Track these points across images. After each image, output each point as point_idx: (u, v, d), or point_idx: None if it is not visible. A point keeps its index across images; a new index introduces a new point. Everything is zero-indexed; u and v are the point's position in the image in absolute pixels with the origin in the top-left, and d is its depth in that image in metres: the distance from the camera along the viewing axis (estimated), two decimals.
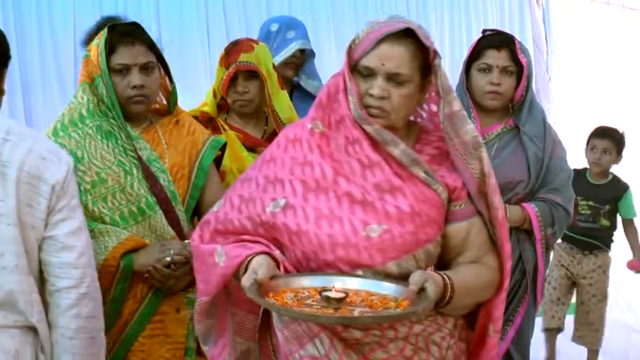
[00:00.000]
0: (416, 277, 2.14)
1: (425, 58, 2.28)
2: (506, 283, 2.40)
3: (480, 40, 3.60)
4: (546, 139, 3.56)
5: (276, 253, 2.29)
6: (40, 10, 5.82)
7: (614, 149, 5.29)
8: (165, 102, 3.23)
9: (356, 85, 2.26)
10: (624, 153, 5.34)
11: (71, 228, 2.42)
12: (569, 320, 5.38)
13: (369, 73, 2.25)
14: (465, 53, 6.58)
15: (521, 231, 3.52)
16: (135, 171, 2.98)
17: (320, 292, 2.09)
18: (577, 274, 5.31)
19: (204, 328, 2.47)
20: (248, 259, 2.25)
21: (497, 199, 2.35)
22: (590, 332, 5.33)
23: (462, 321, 2.42)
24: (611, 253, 5.30)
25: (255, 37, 4.14)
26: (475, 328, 2.45)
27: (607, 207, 5.32)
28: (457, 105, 2.30)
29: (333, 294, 2.07)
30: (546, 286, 5.12)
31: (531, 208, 3.49)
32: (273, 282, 2.16)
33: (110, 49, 2.99)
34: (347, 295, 2.07)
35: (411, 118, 2.43)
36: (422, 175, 2.29)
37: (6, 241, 2.32)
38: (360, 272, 2.23)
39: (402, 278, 2.22)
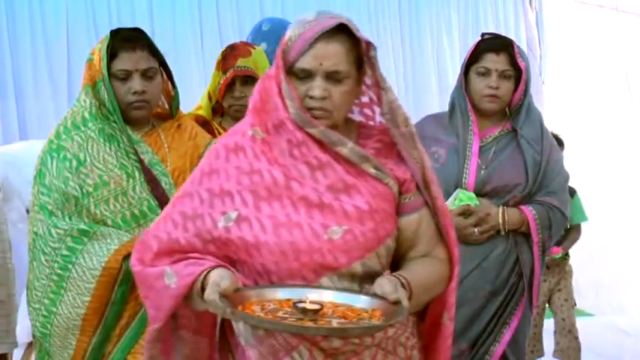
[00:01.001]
0: (388, 288, 2.10)
1: (358, 51, 2.24)
2: (456, 271, 2.37)
3: (478, 44, 3.60)
4: (544, 142, 3.57)
5: (230, 268, 2.17)
6: (33, 15, 5.82)
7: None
8: (167, 106, 3.23)
9: (294, 88, 2.19)
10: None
11: None
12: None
13: (307, 75, 2.18)
14: (459, 56, 6.66)
15: (519, 234, 3.52)
16: (137, 174, 2.98)
17: (294, 304, 2.03)
18: (551, 288, 5.29)
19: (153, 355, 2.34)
20: (203, 274, 2.13)
21: (435, 188, 2.34)
22: (570, 343, 5.21)
23: (415, 316, 2.38)
24: (601, 258, 5.25)
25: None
26: (426, 319, 2.41)
27: None
28: (393, 95, 2.29)
29: (309, 305, 2.02)
30: None
31: (529, 210, 3.49)
32: (241, 294, 2.07)
33: (112, 55, 3.00)
34: (322, 306, 2.03)
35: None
36: (372, 171, 2.24)
37: None
38: (325, 277, 2.18)
39: (367, 277, 2.21)
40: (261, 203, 2.19)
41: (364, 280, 2.22)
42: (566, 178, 3.68)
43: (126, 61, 2.99)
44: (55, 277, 2.93)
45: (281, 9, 6.42)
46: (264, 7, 6.37)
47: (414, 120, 5.77)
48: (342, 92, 2.20)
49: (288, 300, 2.07)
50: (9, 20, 5.79)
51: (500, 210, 3.47)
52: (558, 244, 5.00)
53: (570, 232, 5.25)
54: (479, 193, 3.48)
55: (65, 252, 2.90)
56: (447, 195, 3.47)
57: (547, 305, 5.35)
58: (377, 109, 2.36)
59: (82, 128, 2.98)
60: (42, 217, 2.95)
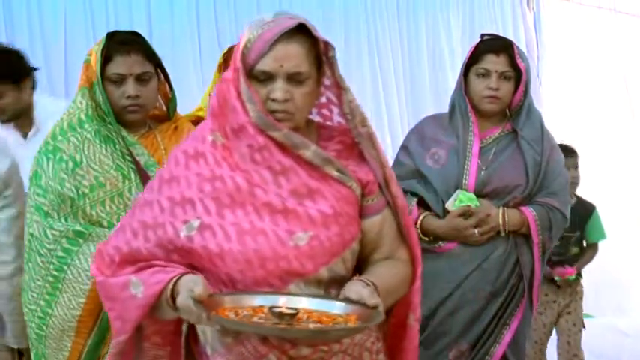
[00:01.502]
0: (366, 292, 2.08)
1: (317, 52, 2.21)
2: (419, 271, 2.36)
3: (478, 45, 3.60)
4: (544, 143, 3.57)
5: (200, 274, 2.13)
6: (31, 18, 5.80)
7: (577, 166, 4.86)
8: (164, 108, 3.22)
9: (255, 91, 2.15)
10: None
11: (9, 215, 3.21)
12: None
13: (268, 77, 2.14)
14: (457, 57, 6.66)
15: (519, 235, 3.53)
16: (133, 176, 2.97)
17: (270, 309, 2.00)
18: (561, 309, 4.91)
19: None
20: (172, 282, 2.09)
21: (395, 187, 2.32)
22: None
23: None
24: (600, 259, 5.18)
25: None
26: (390, 321, 2.38)
27: (577, 233, 4.86)
28: (352, 95, 2.26)
29: (285, 310, 2.00)
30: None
31: (529, 211, 3.50)
32: (214, 300, 2.03)
33: (107, 58, 2.99)
34: (298, 311, 2.01)
35: None
36: (335, 173, 2.21)
37: None
38: (292, 283, 2.14)
39: (333, 282, 2.19)
40: (224, 211, 2.15)
41: (330, 285, 2.20)
42: (567, 179, 3.68)
43: (120, 64, 2.98)
44: (50, 279, 2.92)
45: (278, 8, 6.42)
46: (262, 10, 6.35)
47: (412, 121, 5.78)
48: (303, 94, 2.17)
49: (261, 306, 2.04)
50: (7, 23, 5.77)
51: (501, 211, 3.47)
52: (571, 263, 4.81)
53: (586, 251, 4.95)
54: (479, 194, 3.48)
55: (61, 253, 2.90)
56: (447, 196, 3.48)
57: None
58: (335, 110, 2.34)
59: (79, 130, 2.97)
60: (37, 219, 2.94)
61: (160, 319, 2.24)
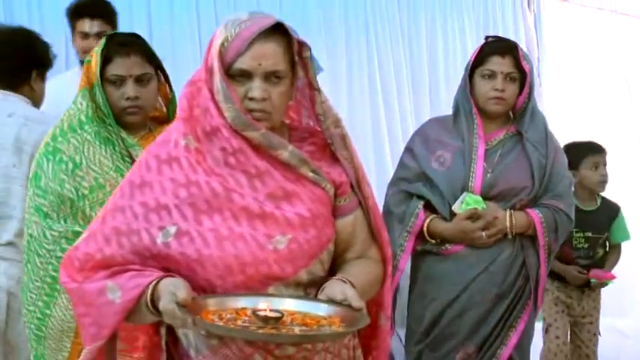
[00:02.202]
0: (350, 293, 2.06)
1: (291, 52, 2.19)
2: (389, 270, 2.36)
3: (483, 47, 3.60)
4: (548, 145, 3.58)
5: (179, 277, 2.08)
6: (32, 19, 5.80)
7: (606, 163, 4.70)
8: (165, 109, 3.22)
9: (233, 90, 2.12)
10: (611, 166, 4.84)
11: None
12: None
13: (245, 75, 2.12)
14: (458, 58, 6.65)
15: (525, 237, 3.54)
16: None
17: (254, 313, 1.98)
18: (578, 314, 4.66)
19: None
20: (151, 286, 2.04)
21: (367, 188, 2.32)
22: None
23: None
24: None
25: None
26: None
27: (605, 234, 4.67)
28: (324, 96, 2.26)
29: (270, 313, 1.97)
30: (552, 339, 4.61)
31: (535, 214, 3.50)
32: (197, 303, 1.99)
33: (107, 59, 2.99)
34: (283, 314, 1.99)
35: None
36: (310, 174, 2.20)
37: (17, 198, 3.42)
38: (271, 287, 2.12)
39: (311, 284, 2.18)
40: (201, 216, 2.12)
41: (309, 287, 2.19)
42: (572, 181, 3.70)
43: (120, 66, 2.99)
44: (49, 280, 2.93)
45: (279, 12, 6.41)
46: (262, 8, 6.34)
47: (411, 124, 5.77)
48: (280, 93, 2.15)
49: (244, 309, 2.02)
50: (7, 21, 5.78)
51: (508, 213, 3.48)
52: (600, 266, 4.63)
53: (612, 253, 4.76)
54: (485, 197, 3.48)
55: (60, 254, 2.87)
56: (453, 198, 3.49)
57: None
58: (303, 112, 2.33)
59: (79, 131, 2.97)
60: (37, 219, 2.94)
61: (137, 324, 2.21)
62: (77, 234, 2.86)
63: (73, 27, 4.48)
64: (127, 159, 2.98)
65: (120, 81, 2.99)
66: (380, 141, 6.10)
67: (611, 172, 5.11)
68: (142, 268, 2.11)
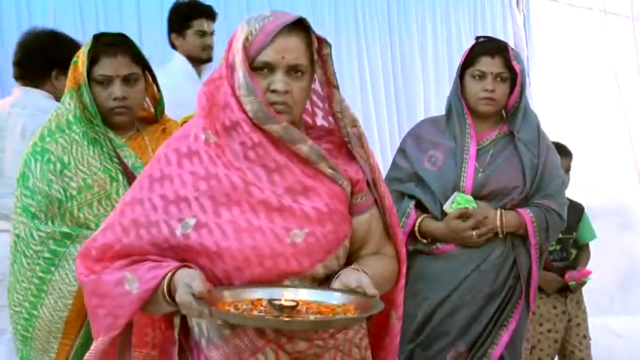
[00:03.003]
0: (365, 281, 2.09)
1: (311, 50, 2.22)
2: (404, 269, 2.38)
3: (473, 47, 3.60)
4: (540, 145, 3.58)
5: (196, 267, 2.12)
6: (20, 20, 5.79)
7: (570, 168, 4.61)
8: (152, 110, 3.22)
9: (257, 82, 2.15)
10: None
11: None
12: None
13: (268, 68, 2.15)
14: (447, 58, 6.65)
15: (516, 236, 3.53)
16: (120, 178, 2.97)
17: (270, 302, 2.00)
18: (565, 325, 4.53)
19: None
20: (168, 276, 2.07)
21: (383, 187, 2.34)
22: None
23: None
24: (591, 260, 5.07)
25: None
26: (373, 318, 2.40)
27: (573, 234, 4.60)
28: (341, 95, 2.28)
29: (285, 302, 2.00)
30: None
31: (527, 213, 3.50)
32: (213, 294, 2.01)
33: (94, 59, 2.98)
34: (298, 303, 2.01)
35: None
36: (328, 171, 2.22)
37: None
38: (287, 281, 2.14)
39: (327, 279, 2.19)
40: (220, 209, 2.14)
41: (324, 283, 2.20)
42: (564, 181, 3.69)
43: (107, 66, 2.98)
44: (35, 280, 2.92)
45: (268, 9, 6.41)
46: (252, 11, 6.33)
47: (401, 124, 5.77)
48: (301, 88, 2.18)
49: (260, 299, 2.04)
50: None
51: (498, 213, 3.47)
52: (574, 266, 4.55)
53: (583, 253, 4.69)
54: (476, 196, 3.48)
55: (47, 255, 2.89)
56: (445, 198, 3.49)
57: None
58: (319, 113, 2.35)
59: (67, 131, 2.96)
60: (24, 220, 2.93)
61: (152, 314, 2.24)
62: (65, 235, 2.89)
63: (185, 27, 5.07)
64: (115, 160, 2.98)
65: (107, 81, 2.98)
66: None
67: (602, 170, 5.13)
68: (160, 259, 2.13)
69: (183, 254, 2.14)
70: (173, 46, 5.16)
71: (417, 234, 3.50)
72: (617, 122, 7.33)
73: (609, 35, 7.36)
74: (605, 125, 7.27)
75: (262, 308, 2.01)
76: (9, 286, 3.02)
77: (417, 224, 3.50)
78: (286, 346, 2.14)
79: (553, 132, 6.57)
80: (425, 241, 3.52)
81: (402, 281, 2.39)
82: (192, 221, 2.13)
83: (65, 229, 2.90)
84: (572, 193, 4.57)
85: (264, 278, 2.13)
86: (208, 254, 2.12)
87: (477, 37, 3.72)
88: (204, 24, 5.07)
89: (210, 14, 5.11)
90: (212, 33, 5.12)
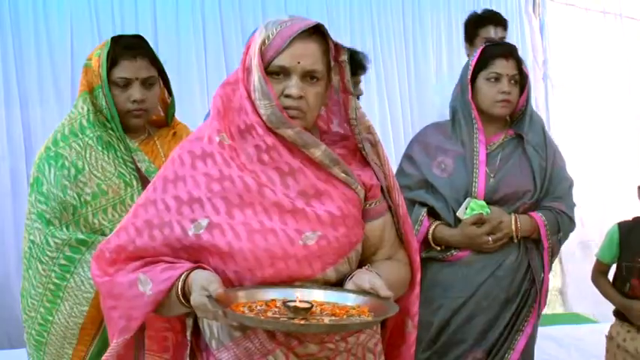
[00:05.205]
0: (378, 282, 2.09)
1: (328, 56, 2.22)
2: (418, 277, 2.38)
3: (484, 50, 3.58)
4: (547, 148, 3.58)
5: (209, 268, 2.13)
6: (37, 24, 5.82)
7: None
8: (162, 114, 3.21)
9: (272, 87, 2.15)
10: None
11: None
12: None
13: (284, 73, 2.16)
14: (462, 62, 6.63)
15: (529, 240, 3.53)
16: (134, 183, 2.96)
17: (284, 304, 2.00)
18: None
19: None
20: (182, 278, 2.08)
21: (396, 195, 2.34)
22: None
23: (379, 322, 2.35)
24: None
25: None
26: (387, 327, 2.40)
27: None
28: (358, 102, 2.28)
29: (300, 304, 2.00)
30: None
31: (539, 217, 3.50)
32: (227, 296, 2.01)
33: (112, 62, 2.97)
34: (312, 305, 2.01)
35: None
36: (342, 175, 2.23)
37: None
38: (297, 283, 2.14)
39: (338, 284, 2.19)
40: (233, 210, 2.14)
41: (336, 286, 2.19)
42: (571, 183, 3.68)
43: (127, 68, 2.97)
44: (51, 287, 2.91)
45: (284, 12, 6.41)
46: (267, 13, 6.35)
47: (417, 127, 5.78)
48: (316, 94, 2.19)
49: (274, 300, 2.05)
50: (13, 29, 5.80)
51: (513, 217, 3.47)
52: None
53: None
54: (489, 202, 3.47)
55: (63, 261, 2.88)
56: (457, 204, 3.48)
57: None
58: (334, 120, 2.35)
59: (80, 135, 2.95)
60: (39, 226, 2.92)
61: (165, 316, 2.25)
62: (81, 241, 2.88)
63: (474, 34, 4.99)
64: (130, 164, 2.98)
65: (126, 84, 2.97)
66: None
67: (615, 174, 5.10)
68: (173, 260, 2.15)
69: (196, 255, 2.15)
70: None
71: (431, 241, 3.49)
72: (631, 125, 7.31)
73: (625, 39, 7.34)
74: (621, 128, 7.26)
75: (276, 309, 2.01)
76: (22, 292, 3.02)
77: (430, 231, 3.49)
78: (297, 349, 2.14)
79: (569, 135, 6.57)
80: (439, 248, 3.51)
81: (417, 289, 2.38)
82: (204, 222, 2.15)
83: (81, 236, 2.89)
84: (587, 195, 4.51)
85: (276, 279, 2.13)
86: (220, 255, 2.13)
87: (486, 40, 3.76)
88: (490, 31, 4.97)
89: (497, 21, 5.01)
90: (502, 38, 4.89)
